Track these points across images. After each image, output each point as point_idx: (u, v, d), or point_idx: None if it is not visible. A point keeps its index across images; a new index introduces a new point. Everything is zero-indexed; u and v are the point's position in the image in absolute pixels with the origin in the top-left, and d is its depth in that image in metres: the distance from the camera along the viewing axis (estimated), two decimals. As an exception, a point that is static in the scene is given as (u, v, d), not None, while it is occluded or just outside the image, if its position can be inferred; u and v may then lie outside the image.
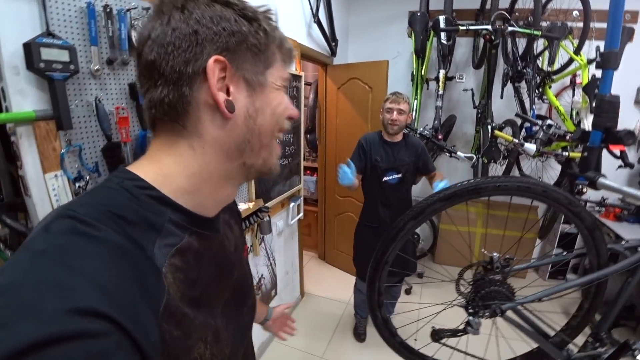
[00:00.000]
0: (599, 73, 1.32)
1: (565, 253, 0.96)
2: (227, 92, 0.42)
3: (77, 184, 0.90)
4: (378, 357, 2.08)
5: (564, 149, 2.17)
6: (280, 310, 0.97)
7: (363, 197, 2.01)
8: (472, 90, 2.41)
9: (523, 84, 2.38)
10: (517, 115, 2.05)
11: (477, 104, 2.53)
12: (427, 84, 2.55)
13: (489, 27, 1.87)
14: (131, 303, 0.33)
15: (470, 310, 0.89)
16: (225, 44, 0.41)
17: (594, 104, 1.23)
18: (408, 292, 2.70)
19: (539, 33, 1.89)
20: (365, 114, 2.63)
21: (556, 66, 2.34)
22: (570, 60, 2.25)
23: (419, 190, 3.12)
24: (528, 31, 1.89)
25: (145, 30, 0.42)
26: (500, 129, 2.41)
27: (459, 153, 1.68)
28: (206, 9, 0.40)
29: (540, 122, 1.70)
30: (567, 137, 1.83)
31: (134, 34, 1.04)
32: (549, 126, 1.51)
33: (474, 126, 2.75)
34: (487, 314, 0.85)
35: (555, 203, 0.83)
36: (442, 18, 1.97)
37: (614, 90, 2.78)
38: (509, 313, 0.91)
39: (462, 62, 2.81)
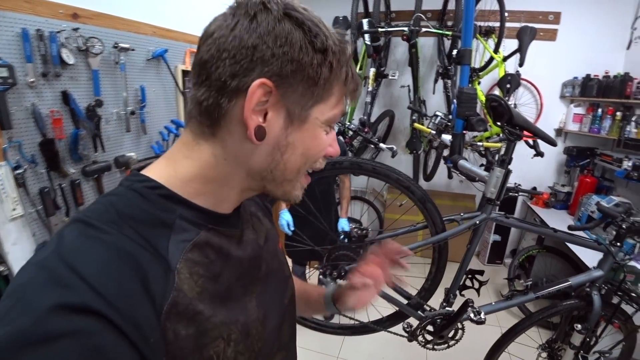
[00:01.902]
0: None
1: (416, 224, 1.31)
2: (265, 117, 0.44)
3: (16, 172, 1.20)
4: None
5: (488, 140, 2.58)
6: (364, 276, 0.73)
7: None
8: (408, 86, 2.77)
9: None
10: (408, 107, 2.42)
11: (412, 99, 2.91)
12: (365, 81, 2.91)
13: (405, 28, 2.22)
14: (128, 303, 0.35)
15: (321, 271, 1.23)
16: (280, 69, 0.42)
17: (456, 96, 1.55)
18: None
19: (449, 33, 2.26)
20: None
21: (478, 64, 2.72)
22: (492, 58, 2.64)
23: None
24: (439, 31, 2.26)
25: (212, 25, 0.44)
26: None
27: (381, 145, 2.03)
28: (275, 25, 0.41)
29: (441, 114, 2.04)
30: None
31: (64, 52, 1.35)
32: (436, 116, 1.87)
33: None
34: (334, 274, 1.18)
35: (386, 178, 1.17)
36: (365, 21, 2.32)
37: (541, 86, 3.24)
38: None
39: (402, 61, 3.18)
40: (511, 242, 3.53)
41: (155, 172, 0.46)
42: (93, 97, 1.55)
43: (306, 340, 1.21)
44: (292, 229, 2.11)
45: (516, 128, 1.12)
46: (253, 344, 0.50)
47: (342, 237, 1.30)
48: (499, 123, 1.15)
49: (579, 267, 2.26)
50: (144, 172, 0.47)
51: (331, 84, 0.46)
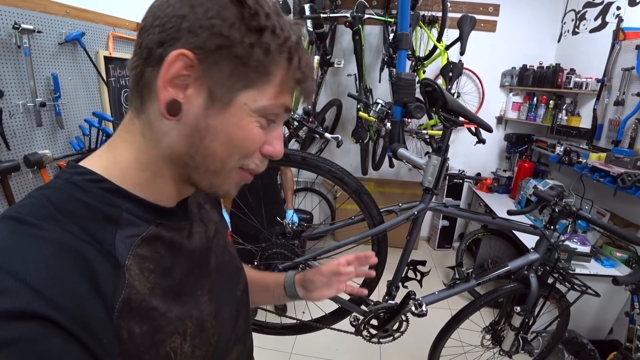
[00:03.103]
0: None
1: (353, 217, 1.23)
2: (185, 92, 0.40)
3: None
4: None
5: (433, 127, 2.56)
6: (326, 268, 0.78)
7: None
8: (355, 75, 2.69)
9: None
10: (348, 94, 2.37)
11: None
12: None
13: (347, 15, 2.12)
14: (74, 302, 0.32)
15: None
16: (204, 42, 0.38)
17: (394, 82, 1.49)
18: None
19: (392, 20, 2.19)
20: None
21: (423, 53, 2.70)
22: (435, 47, 2.62)
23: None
24: (382, 18, 2.19)
25: None
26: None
27: (326, 134, 1.93)
28: None
29: (382, 102, 1.98)
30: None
31: None
32: (376, 104, 1.81)
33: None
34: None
35: (317, 170, 1.07)
36: (307, 6, 2.20)
37: (482, 75, 3.27)
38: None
39: (348, 49, 3.10)
40: (459, 227, 3.62)
41: (95, 161, 0.43)
42: (-10, 86, 1.30)
43: (259, 338, 1.13)
44: (229, 229, 1.97)
45: (451, 114, 1.05)
46: (209, 337, 0.48)
47: (278, 233, 1.19)
48: (434, 109, 1.07)
49: (521, 247, 2.32)
50: (82, 163, 0.43)
51: (267, 69, 0.41)
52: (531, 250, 1.47)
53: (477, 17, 2.92)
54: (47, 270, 0.32)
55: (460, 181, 3.20)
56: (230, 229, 2.04)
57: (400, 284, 1.31)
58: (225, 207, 2.10)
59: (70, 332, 0.30)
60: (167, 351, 0.41)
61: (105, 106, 1.79)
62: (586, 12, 2.73)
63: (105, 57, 1.76)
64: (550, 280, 1.52)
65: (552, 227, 1.40)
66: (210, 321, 0.49)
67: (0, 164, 1.34)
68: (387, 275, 1.35)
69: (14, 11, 1.36)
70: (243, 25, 0.39)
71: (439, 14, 2.70)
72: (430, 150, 2.58)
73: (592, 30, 2.66)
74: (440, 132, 2.43)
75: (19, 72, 1.40)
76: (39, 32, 1.44)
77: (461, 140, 3.38)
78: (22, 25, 1.37)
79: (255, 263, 1.12)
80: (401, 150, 1.34)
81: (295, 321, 1.30)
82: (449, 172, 2.80)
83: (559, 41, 3.12)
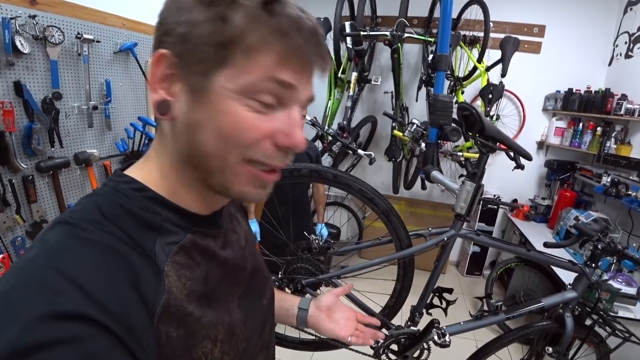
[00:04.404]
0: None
1: (380, 238, 1.20)
2: (170, 91, 0.40)
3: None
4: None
5: (469, 150, 2.48)
6: (333, 297, 0.80)
7: None
8: (392, 92, 2.68)
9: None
10: (384, 113, 2.35)
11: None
12: (347, 86, 2.81)
13: (387, 33, 2.13)
14: (121, 305, 0.33)
15: (277, 283, 1.11)
16: (177, 37, 0.38)
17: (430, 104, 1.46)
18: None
19: (432, 40, 2.17)
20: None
21: (462, 73, 2.64)
22: (475, 68, 2.56)
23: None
24: (422, 37, 2.17)
25: None
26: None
27: (359, 151, 1.92)
28: None
29: (417, 122, 1.95)
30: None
31: (19, 39, 1.23)
32: (412, 124, 1.78)
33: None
34: (291, 287, 1.07)
35: (348, 188, 1.06)
36: (347, 24, 2.22)
37: (524, 98, 3.17)
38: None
39: (386, 67, 3.09)
40: (491, 254, 3.44)
41: (136, 170, 0.45)
42: (51, 89, 1.42)
43: (277, 350, 1.13)
44: (259, 239, 2.01)
45: (489, 140, 1.01)
46: (237, 344, 0.48)
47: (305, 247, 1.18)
48: (470, 134, 1.04)
49: (558, 282, 2.17)
50: (127, 171, 0.45)
51: (231, 40, 0.36)
52: (568, 287, 1.37)
53: (521, 37, 2.84)
54: (98, 275, 0.33)
55: (495, 207, 3.06)
56: (259, 239, 2.08)
57: (424, 311, 1.26)
58: (255, 217, 2.14)
59: (116, 334, 0.31)
60: (199, 355, 0.41)
61: (150, 111, 1.89)
62: (642, 35, 2.57)
63: (154, 66, 1.86)
64: (588, 322, 1.41)
65: (593, 264, 1.30)
66: (240, 328, 0.49)
67: (53, 160, 1.45)
68: (412, 300, 1.31)
69: (77, 22, 1.48)
70: (202, 6, 0.37)
71: (481, 34, 2.65)
72: (465, 173, 2.51)
73: (647, 55, 2.49)
74: (476, 155, 2.36)
75: (77, 77, 1.52)
76: (97, 41, 1.56)
77: (498, 164, 3.25)
78: (84, 35, 1.49)
79: (280, 275, 1.12)
80: (434, 173, 1.30)
81: (313, 337, 1.29)
82: (483, 196, 2.70)
83: (609, 64, 2.95)
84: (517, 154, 1.08)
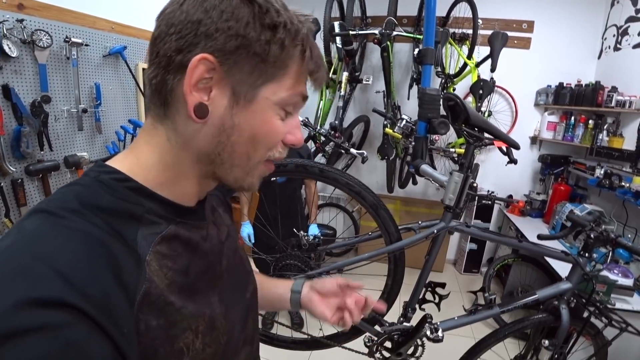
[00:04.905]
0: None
1: (370, 233, 1.18)
2: (209, 94, 0.42)
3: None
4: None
5: (461, 146, 2.47)
6: (334, 285, 0.75)
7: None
8: (383, 92, 2.67)
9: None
10: (373, 110, 2.34)
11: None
12: (339, 86, 2.80)
13: (376, 31, 2.12)
14: (101, 292, 0.33)
15: None
16: (223, 45, 0.39)
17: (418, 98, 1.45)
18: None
19: (421, 37, 2.16)
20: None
21: (453, 70, 2.63)
22: (466, 64, 2.56)
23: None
24: (411, 35, 2.17)
25: (167, 4, 0.42)
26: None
27: (352, 150, 1.91)
28: (223, 0, 0.40)
29: (407, 118, 1.94)
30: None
31: (6, 43, 1.23)
32: (401, 120, 1.77)
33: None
34: None
35: (335, 182, 1.04)
36: (336, 24, 2.22)
37: (515, 93, 3.16)
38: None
39: (377, 66, 3.09)
40: (488, 251, 3.42)
41: (120, 162, 0.44)
42: (40, 92, 1.41)
43: (274, 352, 1.09)
44: (252, 241, 1.99)
45: (474, 129, 1.00)
46: (219, 336, 0.48)
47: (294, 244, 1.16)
48: (456, 124, 1.02)
49: (554, 276, 2.15)
50: (109, 162, 0.44)
51: (284, 63, 0.43)
52: (564, 279, 1.35)
53: (511, 34, 2.83)
54: (77, 261, 0.33)
55: (490, 203, 3.04)
56: (253, 242, 2.05)
57: (417, 306, 1.24)
58: (249, 219, 2.12)
59: (96, 321, 0.31)
60: (180, 346, 0.41)
61: (141, 114, 1.88)
62: (629, 27, 2.56)
63: (144, 69, 1.85)
64: (585, 314, 1.38)
65: (586, 254, 1.28)
66: (220, 321, 0.49)
67: (42, 163, 1.43)
68: (405, 296, 1.29)
69: (66, 26, 1.47)
70: (258, 24, 0.40)
71: (470, 31, 2.65)
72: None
73: (635, 46, 2.48)
74: (469, 150, 2.35)
75: (66, 80, 1.51)
76: (86, 45, 1.55)
77: (492, 161, 3.24)
78: (73, 39, 1.48)
79: (270, 273, 1.10)
80: (424, 167, 1.28)
81: (306, 336, 1.26)
82: (478, 193, 2.68)
83: (599, 58, 2.95)
84: (505, 143, 1.06)
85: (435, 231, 1.12)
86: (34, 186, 1.43)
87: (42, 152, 1.43)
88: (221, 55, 0.40)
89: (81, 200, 0.38)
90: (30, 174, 1.39)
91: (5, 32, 1.25)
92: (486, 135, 1.09)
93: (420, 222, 1.19)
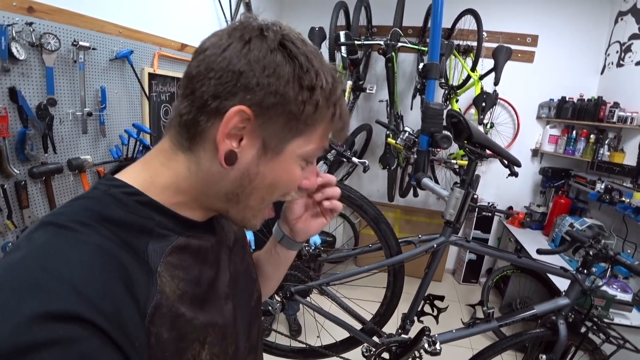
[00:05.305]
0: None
1: (370, 245, 1.19)
2: (239, 142, 0.43)
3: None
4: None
5: (463, 158, 2.49)
6: (302, 208, 0.63)
7: None
8: (386, 101, 2.69)
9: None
10: (376, 121, 2.35)
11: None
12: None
13: (381, 42, 2.14)
14: (113, 305, 0.33)
15: None
16: (262, 99, 0.40)
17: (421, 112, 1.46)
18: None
19: (426, 49, 2.19)
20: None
21: (457, 82, 2.65)
22: (469, 76, 2.57)
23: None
24: (415, 47, 2.19)
25: (207, 42, 0.43)
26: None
27: (353, 159, 1.92)
28: (267, 55, 0.40)
29: (409, 130, 1.95)
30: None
31: (15, 46, 1.24)
32: (404, 132, 1.78)
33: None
34: (280, 294, 1.06)
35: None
36: (342, 33, 2.24)
37: (518, 106, 3.18)
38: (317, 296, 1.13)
39: (381, 75, 3.11)
40: (487, 262, 3.42)
41: (132, 177, 0.44)
42: (46, 95, 1.42)
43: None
44: (253, 248, 1.99)
45: (477, 146, 1.01)
46: (227, 346, 0.48)
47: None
48: (459, 141, 1.04)
49: (553, 289, 2.16)
50: (119, 175, 0.45)
51: (315, 121, 0.44)
52: (562, 293, 1.36)
53: (515, 47, 2.85)
54: (89, 274, 0.33)
55: (490, 214, 3.05)
56: (253, 248, 2.06)
57: (415, 319, 1.25)
58: None
59: (109, 335, 0.31)
60: (187, 358, 0.41)
61: (145, 119, 1.89)
62: (632, 44, 2.59)
63: (150, 74, 1.87)
64: (583, 329, 1.39)
65: (585, 271, 1.29)
66: (230, 330, 0.49)
67: (46, 165, 1.44)
68: (403, 307, 1.29)
69: (74, 30, 1.49)
70: (297, 83, 0.41)
71: (474, 44, 2.68)
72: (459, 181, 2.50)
73: (638, 63, 2.50)
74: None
75: (72, 83, 1.52)
76: (93, 49, 1.57)
77: (493, 172, 3.25)
78: (80, 43, 1.50)
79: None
80: (425, 180, 1.30)
81: (304, 346, 1.27)
82: (478, 204, 2.69)
83: (602, 73, 2.97)
84: (507, 160, 1.07)
85: (435, 245, 1.13)
86: (36, 188, 1.44)
87: (46, 155, 1.43)
88: (258, 109, 0.41)
89: (91, 213, 0.38)
90: (34, 176, 1.40)
91: (14, 34, 1.27)
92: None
93: (420, 236, 1.20)
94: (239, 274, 0.57)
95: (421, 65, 1.77)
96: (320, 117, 0.44)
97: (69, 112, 1.52)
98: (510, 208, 3.25)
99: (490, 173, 3.27)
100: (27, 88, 1.36)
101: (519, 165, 1.09)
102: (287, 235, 0.65)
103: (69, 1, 1.46)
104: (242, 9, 2.60)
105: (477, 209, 2.63)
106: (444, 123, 1.30)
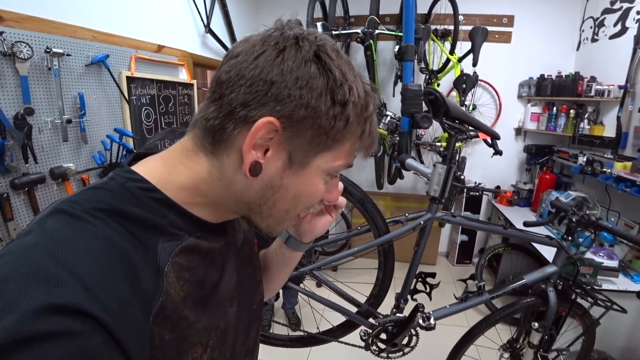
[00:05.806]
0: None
1: (359, 227, 1.21)
2: (265, 153, 0.42)
3: None
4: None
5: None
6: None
7: None
8: (369, 90, 2.71)
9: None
10: None
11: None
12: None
13: (358, 30, 2.16)
14: (119, 303, 0.33)
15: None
16: (292, 112, 0.39)
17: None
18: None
19: (402, 34, 2.20)
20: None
21: (437, 66, 2.68)
22: (449, 60, 2.61)
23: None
24: (393, 33, 2.21)
25: (239, 47, 0.42)
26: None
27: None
28: (301, 66, 0.39)
29: (391, 114, 1.97)
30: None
31: None
32: (385, 116, 1.80)
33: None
34: None
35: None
36: (319, 24, 2.25)
37: (498, 87, 3.22)
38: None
39: (362, 65, 3.12)
40: (479, 242, 3.49)
41: (150, 171, 0.43)
42: (22, 104, 1.40)
43: (274, 352, 1.11)
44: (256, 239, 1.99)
45: (455, 122, 1.04)
46: (226, 350, 0.48)
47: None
48: (438, 118, 1.06)
49: (543, 262, 2.21)
50: (136, 167, 0.44)
51: (343, 137, 0.43)
52: (550, 263, 1.40)
53: (492, 28, 2.90)
54: (98, 269, 0.33)
55: (478, 194, 3.10)
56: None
57: (409, 297, 1.27)
58: None
59: (112, 333, 0.31)
60: None
61: (126, 122, 1.88)
62: (605, 18, 2.65)
63: (128, 77, 1.85)
64: (572, 296, 1.43)
65: (570, 238, 1.33)
66: (230, 333, 0.49)
67: (28, 176, 1.42)
68: (397, 288, 1.32)
69: (46, 37, 1.47)
70: (329, 97, 0.40)
71: (452, 27, 2.71)
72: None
73: (612, 37, 2.57)
74: (456, 145, 2.40)
75: (48, 91, 1.50)
76: (68, 55, 1.55)
77: (478, 153, 3.30)
78: (53, 50, 1.48)
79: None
80: (409, 161, 1.32)
81: (303, 334, 1.28)
82: (466, 185, 2.73)
83: (577, 49, 3.04)
84: (485, 133, 1.10)
85: (422, 222, 1.15)
86: (20, 200, 1.42)
87: (27, 165, 1.41)
88: (287, 121, 0.40)
89: (105, 205, 0.38)
90: (16, 187, 1.38)
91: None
92: (469, 127, 1.13)
93: (407, 215, 1.22)
94: (243, 277, 0.56)
95: (397, 48, 1.78)
96: (350, 133, 0.43)
97: (47, 121, 1.50)
98: (498, 187, 3.32)
99: (476, 154, 3.32)
100: (2, 98, 1.33)
101: (498, 137, 1.12)
102: (293, 236, 0.64)
103: (39, 8, 1.44)
104: (217, 7, 2.58)
105: (465, 189, 2.67)
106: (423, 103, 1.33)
